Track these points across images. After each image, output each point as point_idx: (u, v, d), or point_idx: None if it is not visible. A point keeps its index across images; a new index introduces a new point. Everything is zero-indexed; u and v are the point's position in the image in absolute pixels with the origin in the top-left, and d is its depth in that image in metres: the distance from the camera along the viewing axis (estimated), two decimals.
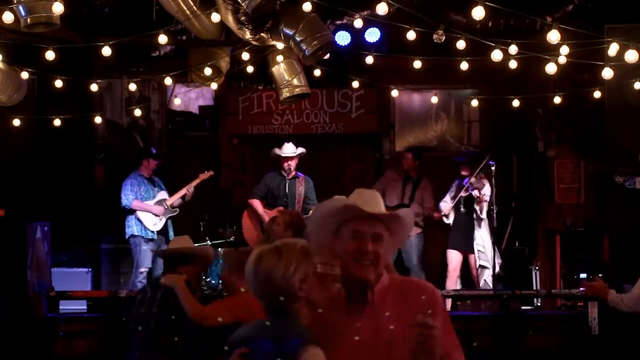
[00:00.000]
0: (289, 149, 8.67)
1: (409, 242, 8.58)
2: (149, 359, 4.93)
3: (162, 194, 9.07)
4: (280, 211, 6.44)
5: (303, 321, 2.70)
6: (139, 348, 4.97)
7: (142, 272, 8.75)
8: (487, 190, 8.73)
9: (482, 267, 8.77)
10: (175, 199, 9.03)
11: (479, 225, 8.77)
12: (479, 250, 8.76)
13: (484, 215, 8.72)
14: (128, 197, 8.86)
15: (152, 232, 8.89)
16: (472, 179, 8.72)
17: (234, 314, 4.54)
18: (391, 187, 9.18)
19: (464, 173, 8.89)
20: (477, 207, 8.70)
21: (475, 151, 9.77)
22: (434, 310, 2.80)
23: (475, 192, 8.67)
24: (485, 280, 8.74)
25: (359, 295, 2.77)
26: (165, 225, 9.00)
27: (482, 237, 8.77)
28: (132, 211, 8.89)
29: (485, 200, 8.68)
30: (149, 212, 8.88)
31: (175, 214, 9.04)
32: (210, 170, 9.19)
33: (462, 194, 8.79)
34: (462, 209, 8.84)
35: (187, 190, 9.00)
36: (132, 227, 8.89)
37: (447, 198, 8.96)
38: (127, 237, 8.94)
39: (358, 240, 2.74)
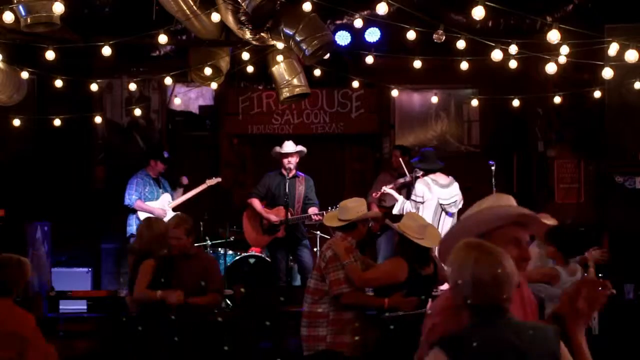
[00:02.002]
0: (289, 147, 8.63)
1: None
2: None
3: (166, 196, 9.05)
4: (176, 222, 5.75)
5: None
6: None
7: None
8: (419, 192, 8.12)
9: None
10: (179, 202, 9.01)
11: None
12: None
13: (395, 212, 8.18)
14: (131, 197, 8.86)
15: None
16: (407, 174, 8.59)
17: None
18: None
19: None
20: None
21: (428, 148, 9.60)
22: None
23: (385, 187, 8.48)
24: None
25: None
26: None
27: None
28: (134, 210, 8.89)
29: (411, 200, 8.16)
30: (150, 213, 8.88)
31: None
32: (217, 177, 9.18)
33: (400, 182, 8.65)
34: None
35: (192, 195, 8.98)
36: (132, 227, 8.88)
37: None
38: (127, 235, 8.95)
39: (518, 247, 2.80)
